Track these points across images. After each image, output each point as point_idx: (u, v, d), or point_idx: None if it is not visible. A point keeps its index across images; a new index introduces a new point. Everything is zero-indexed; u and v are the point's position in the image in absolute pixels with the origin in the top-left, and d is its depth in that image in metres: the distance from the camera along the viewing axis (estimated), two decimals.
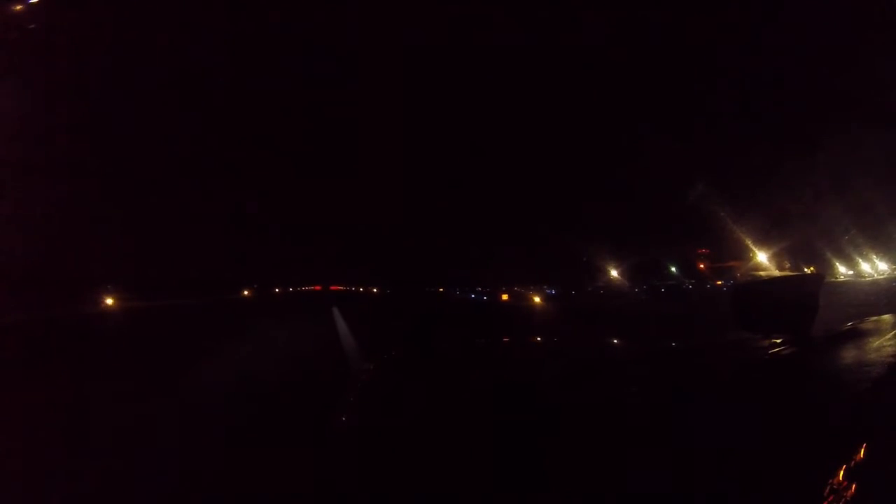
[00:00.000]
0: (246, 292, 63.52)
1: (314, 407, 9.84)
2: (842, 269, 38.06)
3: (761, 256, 30.39)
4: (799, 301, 12.67)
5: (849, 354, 11.42)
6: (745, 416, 7.25)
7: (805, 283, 15.23)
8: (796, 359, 10.98)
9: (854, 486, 5.04)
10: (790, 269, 33.47)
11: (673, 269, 37.24)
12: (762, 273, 32.86)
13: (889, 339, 12.38)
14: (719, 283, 33.18)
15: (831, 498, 4.90)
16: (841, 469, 5.23)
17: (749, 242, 28.73)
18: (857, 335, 13.99)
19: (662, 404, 8.54)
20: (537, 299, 44.14)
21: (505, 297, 52.38)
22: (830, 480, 5.09)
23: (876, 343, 12.08)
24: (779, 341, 12.23)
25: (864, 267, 37.95)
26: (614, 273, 39.45)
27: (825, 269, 39.05)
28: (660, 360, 13.61)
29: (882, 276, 36.01)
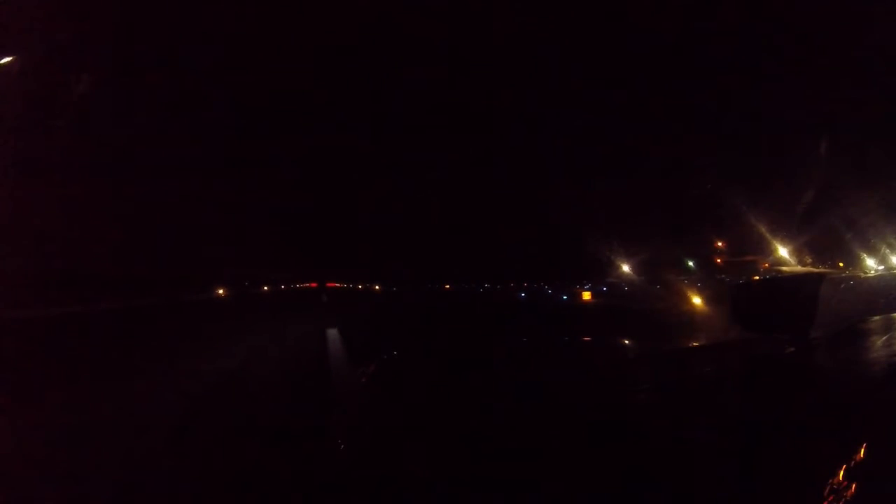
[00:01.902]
0: (220, 291, 55.05)
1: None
2: (871, 263, 37.84)
3: (782, 251, 30.45)
4: (798, 300, 12.95)
5: (852, 353, 11.62)
6: (744, 416, 7.48)
7: (805, 283, 15.75)
8: (797, 358, 11.16)
9: (854, 486, 5.23)
10: (812, 265, 33.49)
11: (690, 263, 37.23)
12: (785, 268, 32.87)
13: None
14: (756, 277, 32.17)
15: (831, 498, 5.08)
16: (841, 469, 5.44)
17: (769, 236, 28.79)
18: (868, 333, 14.17)
19: (664, 404, 8.77)
20: (697, 301, 29.91)
21: (587, 296, 47.58)
22: (830, 480, 5.28)
23: (882, 341, 12.30)
24: (779, 341, 12.42)
25: None
26: (626, 268, 39.28)
27: (853, 263, 38.95)
28: (663, 360, 13.83)
29: None
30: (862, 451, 5.68)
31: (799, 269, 32.73)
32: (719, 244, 34.80)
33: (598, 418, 7.77)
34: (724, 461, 6.05)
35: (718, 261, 35.62)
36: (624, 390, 10.09)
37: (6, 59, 14.09)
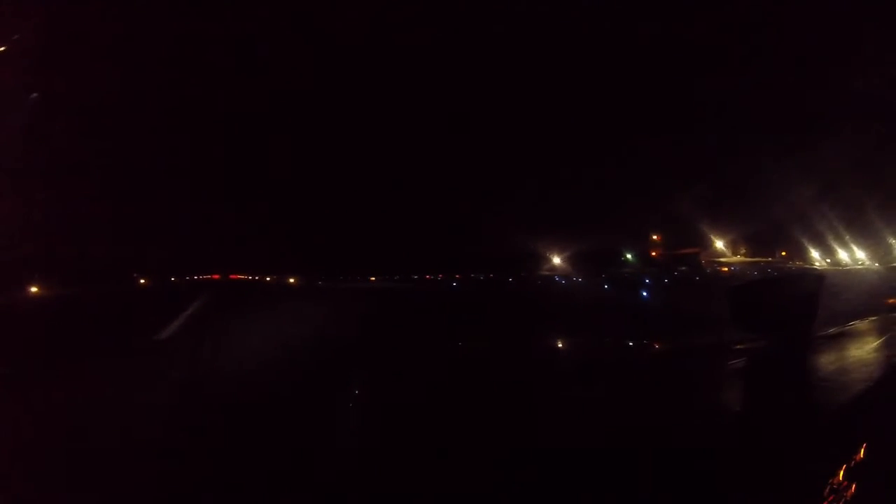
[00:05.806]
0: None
1: None
2: (816, 256, 39.52)
3: (719, 243, 32.11)
4: (799, 301, 13.84)
5: (851, 353, 12.50)
6: (745, 417, 7.94)
7: (805, 283, 16.79)
8: (798, 358, 11.88)
9: (854, 486, 5.66)
10: (745, 255, 35.32)
11: (629, 256, 38.22)
12: (722, 259, 34.74)
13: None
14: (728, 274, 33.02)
15: (831, 498, 5.47)
16: (841, 469, 5.88)
17: (705, 229, 30.27)
18: (869, 333, 15.21)
19: (661, 406, 9.11)
20: None
21: None
22: (830, 480, 5.69)
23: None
24: (778, 341, 13.18)
25: (843, 256, 39.34)
26: (557, 260, 39.69)
27: (799, 255, 40.87)
28: (654, 361, 14.24)
29: (867, 267, 36.96)
30: (862, 451, 6.15)
31: (735, 259, 34.62)
32: (655, 237, 36.10)
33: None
34: (724, 461, 6.39)
35: (654, 254, 36.96)
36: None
37: None
